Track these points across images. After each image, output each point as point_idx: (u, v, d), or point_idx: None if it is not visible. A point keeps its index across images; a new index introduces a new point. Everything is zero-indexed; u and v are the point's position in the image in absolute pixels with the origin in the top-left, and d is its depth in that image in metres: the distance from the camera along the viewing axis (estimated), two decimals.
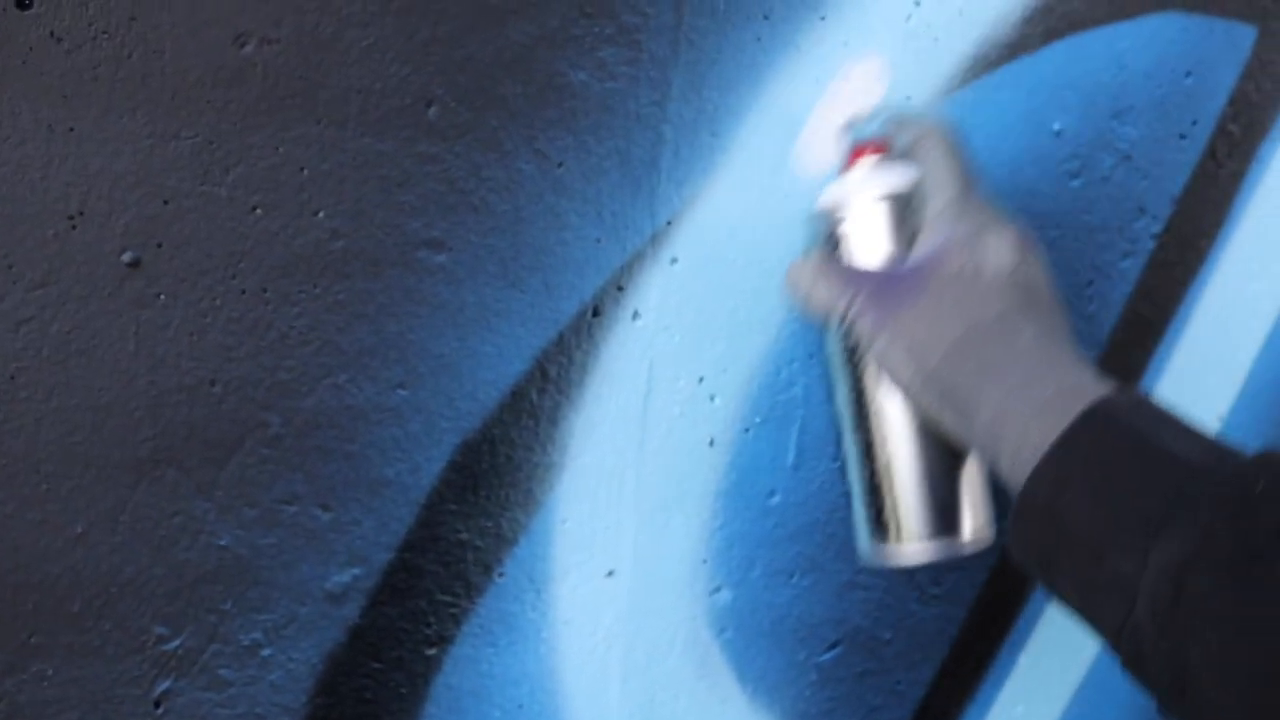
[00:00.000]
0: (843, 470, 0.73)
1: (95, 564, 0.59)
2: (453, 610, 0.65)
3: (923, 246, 0.59)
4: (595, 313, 0.65)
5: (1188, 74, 0.80)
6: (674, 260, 0.66)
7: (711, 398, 0.68)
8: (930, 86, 0.72)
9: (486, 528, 0.65)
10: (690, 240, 0.66)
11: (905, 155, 0.61)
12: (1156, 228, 0.82)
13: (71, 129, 0.55)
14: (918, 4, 0.70)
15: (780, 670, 0.74)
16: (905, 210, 0.59)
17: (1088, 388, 0.52)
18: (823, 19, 0.68)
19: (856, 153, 0.61)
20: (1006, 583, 0.82)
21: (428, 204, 0.60)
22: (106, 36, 0.54)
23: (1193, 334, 0.85)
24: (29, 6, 0.53)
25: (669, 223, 0.65)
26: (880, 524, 0.61)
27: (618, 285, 0.65)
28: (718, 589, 0.71)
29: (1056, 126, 0.77)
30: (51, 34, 0.54)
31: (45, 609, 0.58)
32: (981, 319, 0.56)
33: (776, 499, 0.71)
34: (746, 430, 0.70)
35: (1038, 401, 0.52)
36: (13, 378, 0.56)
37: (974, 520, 0.60)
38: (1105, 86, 0.78)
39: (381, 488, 0.62)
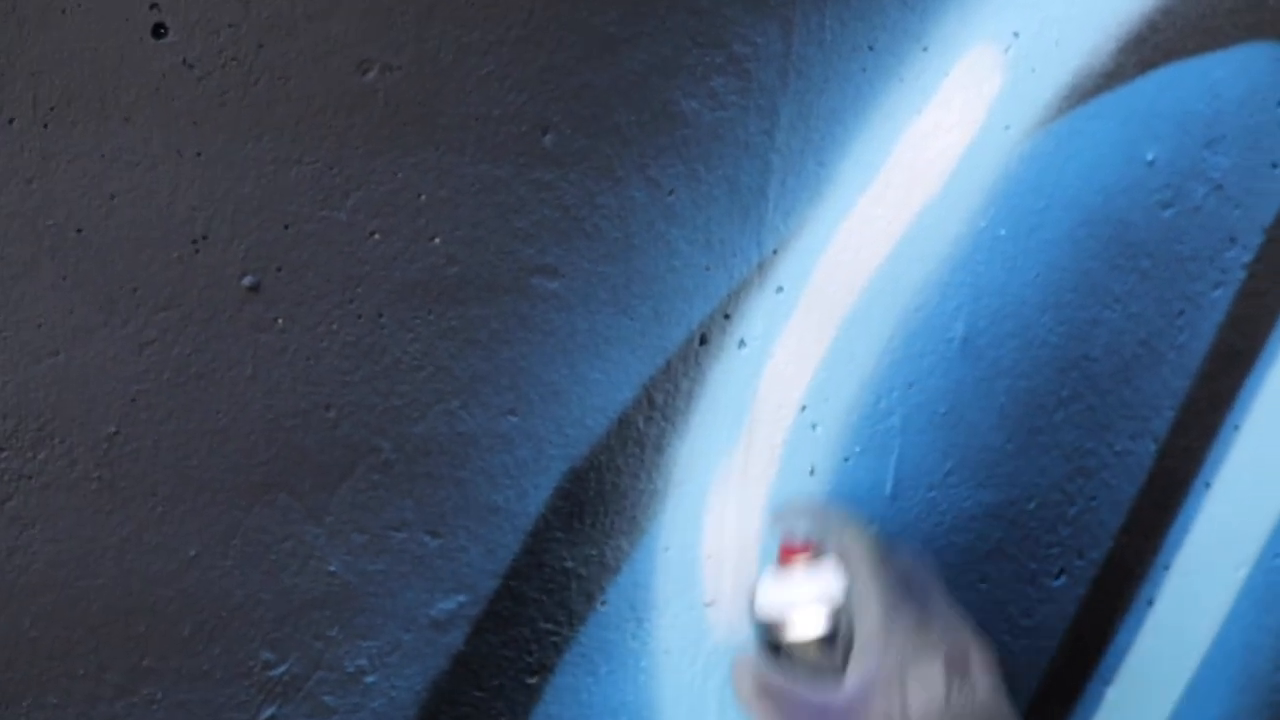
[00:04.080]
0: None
1: (206, 588, 0.59)
2: (555, 639, 0.65)
3: (852, 676, 0.57)
4: (703, 340, 0.64)
5: None
6: (779, 289, 0.66)
7: (813, 426, 0.68)
8: (1028, 117, 0.72)
9: (591, 556, 0.64)
10: (795, 269, 0.66)
11: (835, 557, 0.60)
12: (1248, 257, 0.82)
13: (199, 154, 0.55)
14: (1016, 35, 0.71)
15: None
16: (841, 615, 0.59)
17: None
18: (925, 50, 0.68)
19: (787, 551, 0.60)
20: (1096, 616, 0.81)
21: (542, 230, 0.60)
22: (235, 63, 0.55)
23: None
24: (164, 35, 0.54)
25: (775, 251, 0.65)
26: None
27: (725, 313, 0.65)
28: None
29: (1149, 156, 0.77)
30: (184, 61, 0.54)
31: (157, 632, 0.58)
32: None
33: (874, 529, 0.71)
34: (846, 459, 0.69)
35: None
36: (133, 400, 0.56)
37: None
38: (1198, 116, 0.78)
39: (489, 514, 0.62)
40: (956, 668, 0.56)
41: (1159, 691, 0.84)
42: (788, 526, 0.60)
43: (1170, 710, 0.85)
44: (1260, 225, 0.82)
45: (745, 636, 0.65)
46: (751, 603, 0.61)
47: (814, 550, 0.59)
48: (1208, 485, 0.82)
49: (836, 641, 0.58)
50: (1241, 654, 0.85)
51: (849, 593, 0.58)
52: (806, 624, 0.59)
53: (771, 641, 0.60)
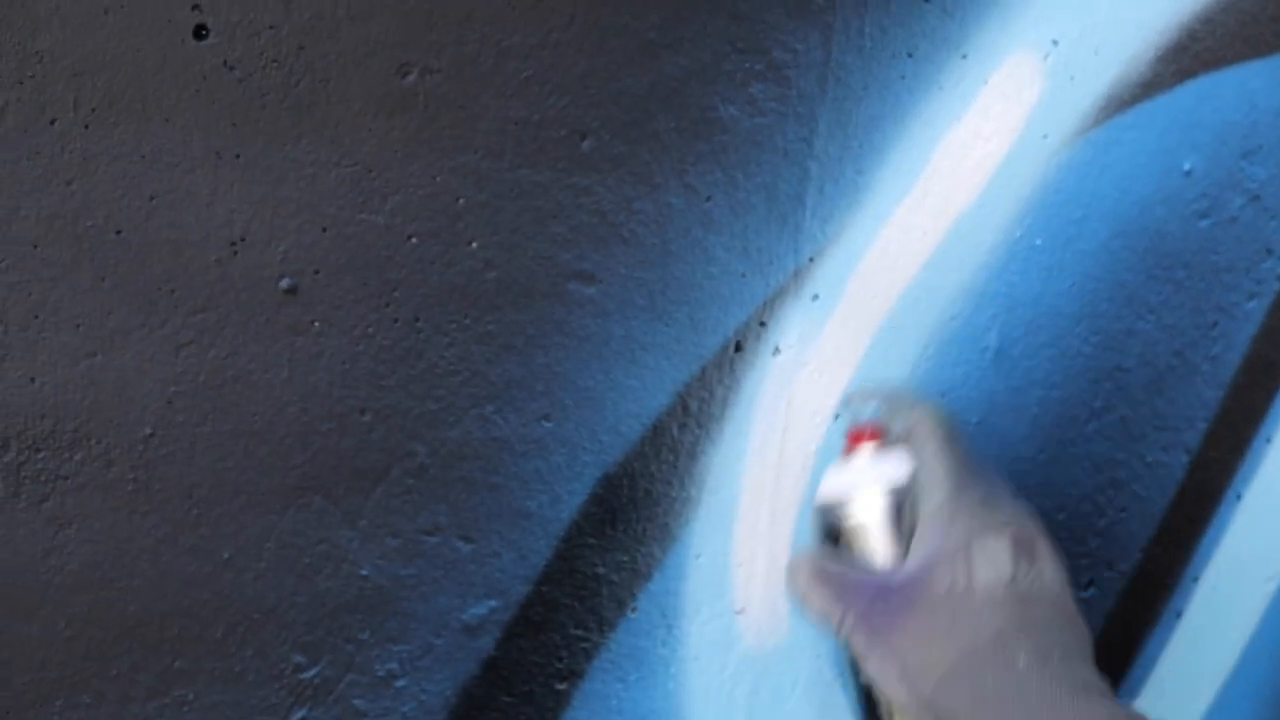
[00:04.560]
0: None
1: (240, 590, 0.59)
2: (584, 645, 0.64)
3: (915, 555, 0.54)
4: (738, 347, 0.64)
5: None
6: (815, 296, 0.65)
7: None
8: (1067, 125, 0.71)
9: (622, 562, 0.64)
10: (831, 277, 0.66)
11: (901, 441, 0.58)
12: None
13: (238, 155, 0.55)
14: (1056, 43, 0.70)
15: None
16: (906, 502, 0.56)
17: None
18: (964, 57, 0.67)
19: (854, 438, 0.58)
20: (1124, 628, 0.81)
21: (579, 236, 0.60)
22: (276, 65, 0.55)
23: None
24: (205, 36, 0.53)
25: (812, 259, 0.65)
26: None
27: (760, 320, 0.64)
28: None
29: (1186, 166, 0.76)
30: (225, 63, 0.54)
31: (190, 634, 0.58)
32: (974, 642, 0.51)
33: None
34: None
35: None
36: (170, 402, 0.56)
37: None
38: (1235, 126, 0.77)
39: (522, 520, 0.62)
40: (1024, 549, 0.53)
41: (1186, 705, 0.84)
42: (855, 411, 0.57)
43: None
44: None
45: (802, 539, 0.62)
46: (815, 493, 0.58)
47: (882, 435, 0.56)
48: (1239, 497, 0.82)
49: (901, 528, 0.55)
50: (1270, 668, 0.85)
51: (915, 475, 0.56)
52: (869, 507, 0.56)
53: (831, 531, 0.57)
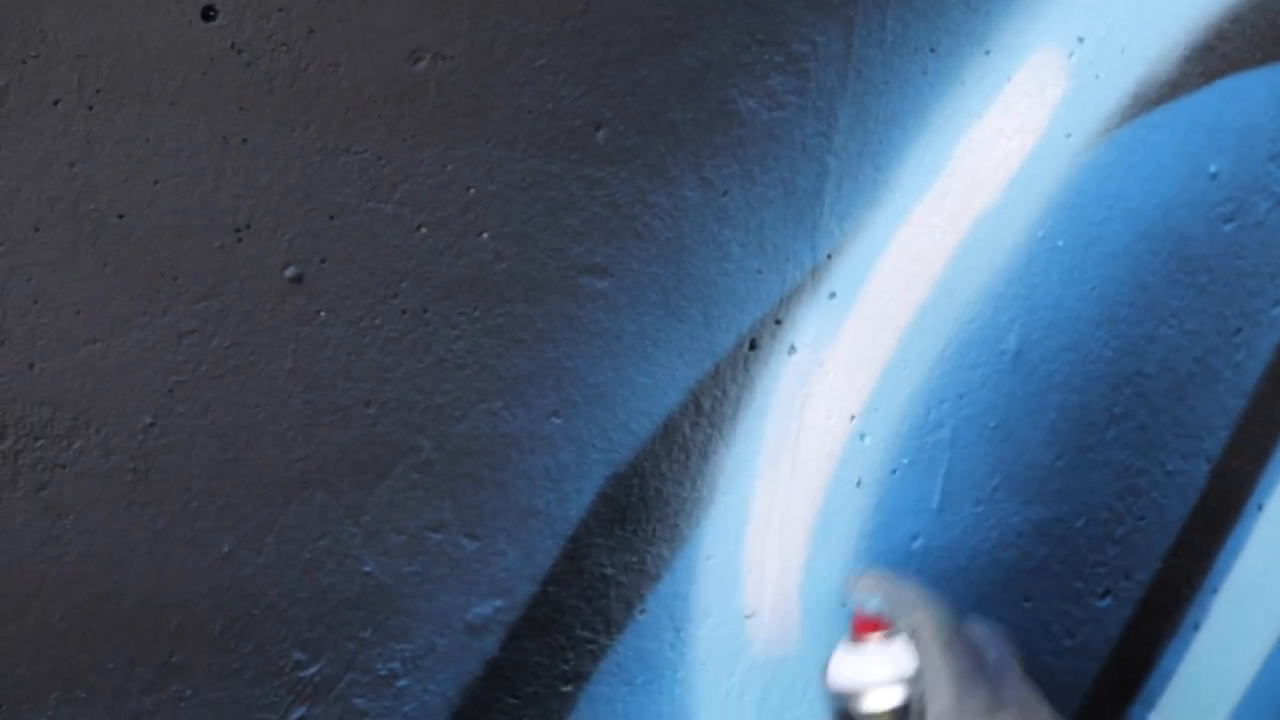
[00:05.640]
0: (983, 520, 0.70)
1: (240, 585, 0.57)
2: (591, 647, 0.63)
3: None
4: (752, 346, 0.63)
5: None
6: (832, 295, 0.64)
7: (862, 437, 0.66)
8: (1091, 124, 0.70)
9: (631, 563, 0.63)
10: (849, 275, 0.64)
11: (907, 636, 0.60)
12: None
13: (245, 141, 0.54)
14: (1081, 40, 0.68)
15: None
16: (912, 694, 0.60)
17: None
18: (987, 53, 0.66)
19: (861, 626, 0.61)
20: (1141, 639, 0.79)
21: (592, 229, 0.59)
22: (285, 49, 0.53)
23: None
24: (214, 18, 0.52)
25: (829, 256, 0.63)
26: None
27: (776, 319, 0.63)
28: None
29: (1212, 169, 0.75)
30: (233, 45, 0.53)
31: (188, 629, 0.57)
32: None
33: (919, 542, 0.69)
34: (894, 471, 0.67)
35: None
36: (171, 391, 0.55)
37: None
38: (1262, 129, 0.76)
39: (529, 518, 0.60)
40: None
41: (1203, 718, 0.82)
42: (860, 600, 0.60)
43: None
44: None
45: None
46: (826, 674, 0.62)
47: (888, 626, 0.60)
48: (1260, 508, 0.80)
49: (909, 716, 0.59)
50: None
51: (921, 670, 0.59)
52: (880, 698, 0.59)
53: (844, 712, 0.61)
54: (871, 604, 0.60)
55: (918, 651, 0.59)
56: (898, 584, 0.60)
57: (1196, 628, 0.80)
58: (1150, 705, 0.81)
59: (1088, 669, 0.78)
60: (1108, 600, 0.77)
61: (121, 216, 0.53)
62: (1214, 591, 0.80)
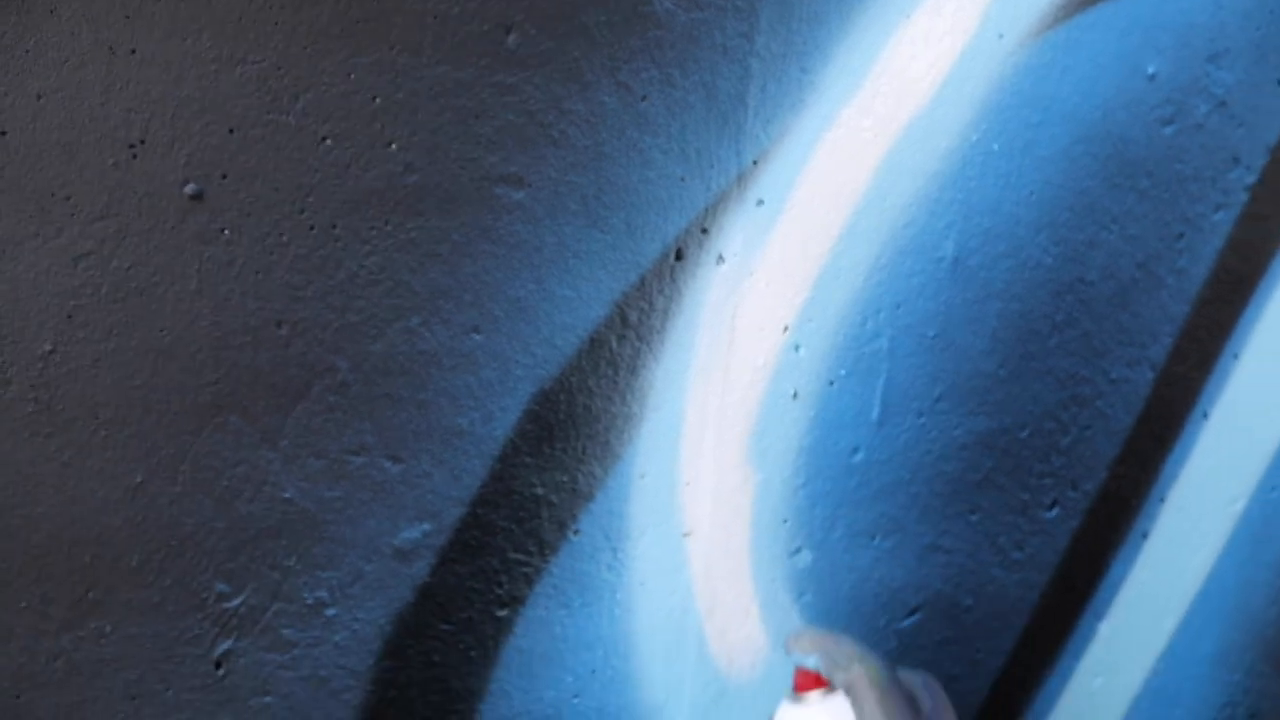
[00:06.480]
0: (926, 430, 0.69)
1: (155, 516, 0.56)
2: (525, 569, 0.62)
3: None
4: (678, 256, 0.61)
5: None
6: (760, 202, 0.62)
7: (796, 348, 0.65)
8: (1023, 24, 0.68)
9: (562, 482, 0.61)
10: (777, 181, 0.63)
11: (843, 688, 0.62)
12: (1251, 179, 0.78)
13: (133, 51, 0.51)
14: None
15: (860, 636, 0.70)
16: None
17: None
18: None
19: (802, 682, 0.62)
20: (1090, 549, 0.79)
21: (505, 137, 0.57)
22: None
23: None
24: None
25: (755, 162, 0.62)
26: None
27: (702, 227, 0.61)
28: (798, 550, 0.68)
29: (1150, 70, 0.73)
30: None
31: (103, 563, 0.55)
32: None
33: (860, 456, 0.68)
34: (831, 383, 0.66)
35: None
36: (70, 316, 0.53)
37: None
38: (1201, 28, 0.74)
39: (454, 438, 0.59)
40: None
41: (1152, 626, 0.82)
42: (799, 658, 0.62)
43: (1163, 645, 0.83)
44: (1265, 145, 0.78)
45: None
46: None
47: (827, 683, 0.62)
48: (1205, 415, 0.79)
49: None
50: (1236, 589, 0.83)
51: None
52: None
53: None
54: (810, 661, 0.62)
55: (855, 705, 0.61)
56: (834, 640, 0.62)
57: (1145, 536, 0.80)
58: (1100, 615, 0.81)
59: (1037, 581, 0.77)
60: (1055, 511, 0.77)
61: (4, 133, 0.51)
62: (1161, 500, 0.80)
